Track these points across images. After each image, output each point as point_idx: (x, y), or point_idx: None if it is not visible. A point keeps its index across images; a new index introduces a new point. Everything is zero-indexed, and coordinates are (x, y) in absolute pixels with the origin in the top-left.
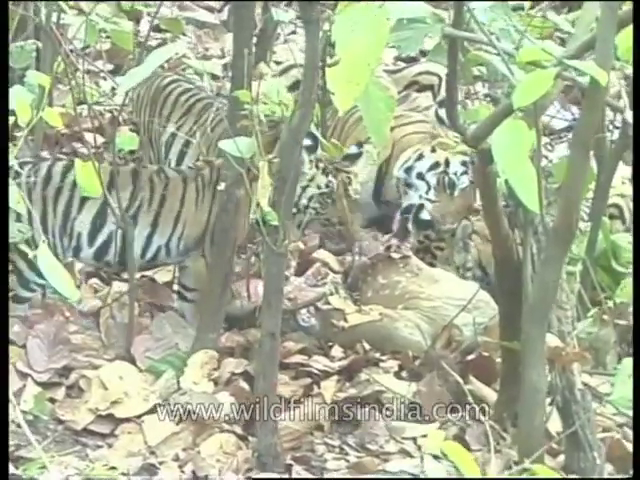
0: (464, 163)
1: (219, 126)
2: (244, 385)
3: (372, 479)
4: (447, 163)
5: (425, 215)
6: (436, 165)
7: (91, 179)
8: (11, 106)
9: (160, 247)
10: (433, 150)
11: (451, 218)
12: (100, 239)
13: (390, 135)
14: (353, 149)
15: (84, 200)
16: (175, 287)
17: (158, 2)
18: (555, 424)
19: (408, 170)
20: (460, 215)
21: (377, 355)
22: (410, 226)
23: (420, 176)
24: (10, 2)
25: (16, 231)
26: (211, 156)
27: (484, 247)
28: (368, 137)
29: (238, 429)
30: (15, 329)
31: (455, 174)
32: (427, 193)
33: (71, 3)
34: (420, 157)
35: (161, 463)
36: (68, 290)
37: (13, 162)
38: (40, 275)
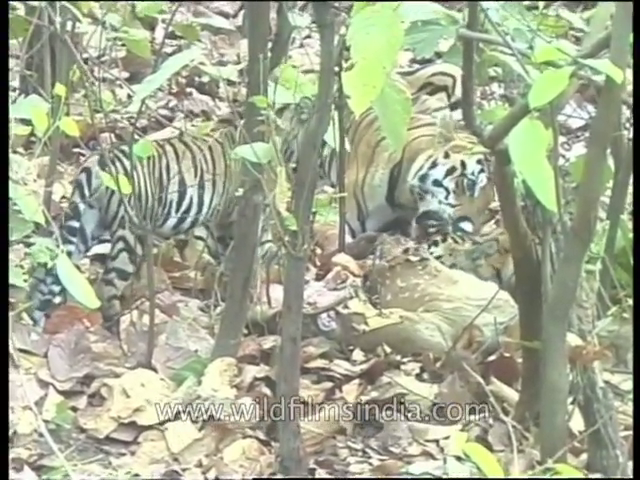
0: (480, 161)
1: None
2: (266, 390)
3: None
4: (463, 165)
5: (467, 227)
6: (452, 170)
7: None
8: (28, 116)
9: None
10: (446, 155)
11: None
12: (185, 203)
13: None
14: None
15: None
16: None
17: (172, 9)
18: (577, 423)
19: (422, 178)
20: (481, 214)
21: (398, 358)
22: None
23: (437, 183)
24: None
25: (44, 248)
26: None
27: (500, 258)
28: (380, 139)
29: (261, 434)
30: (33, 337)
31: (473, 174)
32: (447, 198)
33: (85, 10)
34: (434, 164)
35: (184, 470)
36: (87, 298)
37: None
38: None
